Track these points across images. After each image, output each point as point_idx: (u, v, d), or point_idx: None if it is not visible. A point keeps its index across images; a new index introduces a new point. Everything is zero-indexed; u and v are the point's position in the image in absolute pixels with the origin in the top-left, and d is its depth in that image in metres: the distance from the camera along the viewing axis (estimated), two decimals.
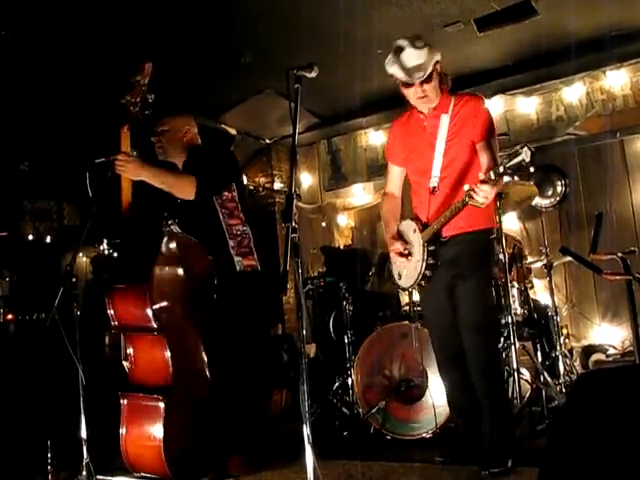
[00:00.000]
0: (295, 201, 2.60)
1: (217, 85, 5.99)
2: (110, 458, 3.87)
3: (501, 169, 2.88)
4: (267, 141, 7.69)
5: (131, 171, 3.51)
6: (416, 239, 3.41)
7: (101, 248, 7.18)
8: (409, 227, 3.51)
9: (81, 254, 7.14)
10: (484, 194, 2.98)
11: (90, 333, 4.87)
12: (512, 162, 2.83)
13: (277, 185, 7.80)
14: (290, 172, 2.69)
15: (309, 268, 7.31)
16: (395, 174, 3.74)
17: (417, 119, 3.52)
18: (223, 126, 6.95)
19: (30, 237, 7.43)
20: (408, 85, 3.33)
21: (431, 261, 3.32)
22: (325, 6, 4.74)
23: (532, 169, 2.93)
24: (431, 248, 3.33)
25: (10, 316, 5.61)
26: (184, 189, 3.59)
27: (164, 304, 3.35)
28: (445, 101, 3.43)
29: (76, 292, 3.61)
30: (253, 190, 7.69)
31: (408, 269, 3.47)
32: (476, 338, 3.36)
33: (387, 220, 3.70)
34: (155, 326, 3.30)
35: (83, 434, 3.49)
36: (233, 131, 7.11)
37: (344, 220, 7.88)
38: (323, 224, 7.83)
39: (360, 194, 7.71)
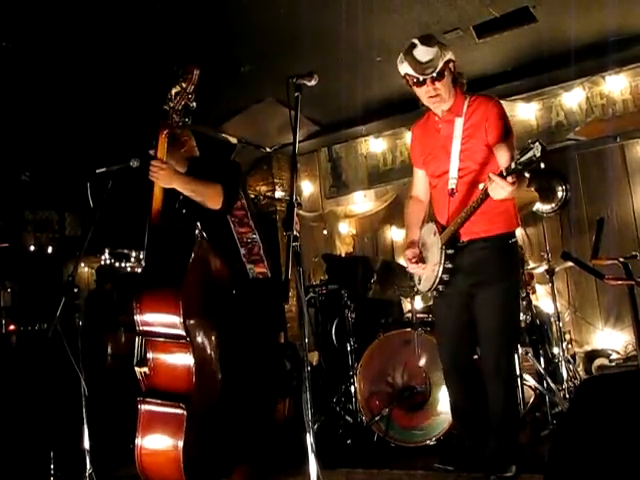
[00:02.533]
0: (296, 209, 2.60)
1: (217, 94, 5.99)
2: (113, 469, 3.87)
3: (513, 165, 2.84)
4: (268, 149, 7.70)
5: (164, 178, 3.43)
6: (435, 242, 3.38)
7: (103, 258, 7.21)
8: (430, 230, 3.48)
9: (83, 264, 7.17)
10: (499, 186, 2.90)
11: (92, 343, 4.87)
12: (524, 158, 2.79)
13: (278, 193, 7.81)
14: (291, 180, 2.69)
15: (311, 276, 7.31)
16: (419, 177, 3.70)
17: (433, 121, 3.48)
18: (224, 135, 6.95)
19: (32, 248, 7.44)
20: (420, 84, 3.28)
21: (449, 265, 3.27)
22: (325, 14, 4.75)
23: (542, 165, 2.90)
24: (449, 251, 3.28)
25: (12, 327, 5.61)
26: (213, 198, 3.55)
27: (193, 310, 3.30)
28: (459, 103, 3.38)
29: (78, 302, 3.61)
30: (254, 198, 7.70)
31: (427, 272, 3.45)
32: (498, 346, 3.32)
33: (408, 224, 3.68)
34: (184, 333, 3.24)
35: (86, 445, 3.48)
36: (234, 140, 7.12)
37: (345, 228, 7.88)
38: (324, 232, 7.83)
39: (361, 201, 7.71)
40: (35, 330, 5.52)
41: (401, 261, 6.37)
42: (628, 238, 6.00)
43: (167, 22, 4.63)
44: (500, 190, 2.91)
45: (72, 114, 5.82)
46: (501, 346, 3.32)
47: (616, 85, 6.08)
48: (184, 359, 3.29)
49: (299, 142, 2.74)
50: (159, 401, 3.33)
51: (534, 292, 5.79)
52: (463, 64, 5.87)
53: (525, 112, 6.53)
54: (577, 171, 6.40)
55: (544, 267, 5.06)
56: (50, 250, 7.54)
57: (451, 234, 3.27)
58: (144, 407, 3.34)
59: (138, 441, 3.30)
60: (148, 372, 3.42)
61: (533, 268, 5.32)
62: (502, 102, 6.58)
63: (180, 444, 3.21)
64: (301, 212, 7.75)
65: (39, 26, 4.47)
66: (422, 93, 3.33)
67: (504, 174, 2.86)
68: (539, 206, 6.29)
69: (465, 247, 3.32)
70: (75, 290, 3.55)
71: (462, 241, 3.32)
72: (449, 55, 3.27)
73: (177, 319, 3.23)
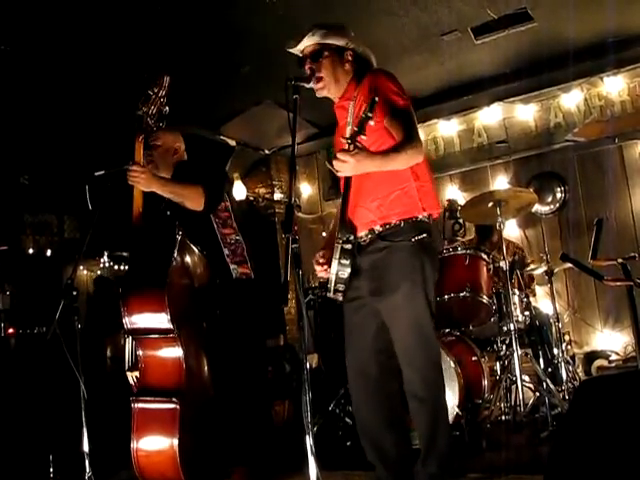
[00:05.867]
0: (295, 211, 2.59)
1: (216, 96, 6.00)
2: (112, 472, 3.86)
3: (355, 129, 2.71)
4: (266, 152, 7.69)
5: (144, 182, 3.47)
6: (335, 239, 2.99)
7: (102, 261, 7.20)
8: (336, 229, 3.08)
9: (82, 267, 7.17)
10: (339, 162, 2.68)
11: (91, 346, 4.87)
12: (359, 121, 2.68)
13: (277, 196, 7.81)
14: (290, 182, 2.69)
15: (310, 278, 7.30)
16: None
17: (336, 116, 3.25)
18: (222, 137, 6.96)
19: (31, 250, 7.44)
20: (300, 62, 3.12)
21: (345, 261, 2.87)
22: (323, 16, 4.73)
23: (372, 122, 2.69)
24: (346, 247, 2.89)
25: (11, 330, 5.61)
26: (193, 199, 3.59)
27: (178, 307, 3.35)
28: (352, 86, 3.09)
29: (77, 305, 3.61)
30: (253, 201, 7.70)
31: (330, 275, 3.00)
32: (407, 363, 2.94)
33: (331, 227, 3.34)
34: (171, 327, 3.30)
35: (85, 448, 3.47)
36: (233, 142, 7.12)
37: None
38: (323, 234, 7.79)
39: None
40: (34, 333, 5.52)
41: None
42: (627, 239, 6.01)
43: (167, 25, 4.64)
44: (344, 165, 2.68)
45: (71, 117, 5.82)
46: (411, 362, 2.93)
47: (614, 86, 6.09)
48: (173, 353, 3.34)
49: (298, 144, 2.74)
50: (152, 398, 3.36)
51: (534, 294, 5.79)
52: (461, 66, 5.94)
53: (523, 113, 6.54)
54: (576, 172, 6.40)
55: (543, 268, 5.07)
56: (49, 253, 7.54)
57: (340, 224, 2.94)
58: (137, 405, 3.37)
59: (134, 443, 3.32)
60: (139, 375, 3.45)
61: (532, 269, 5.32)
62: (500, 104, 6.69)
63: (175, 441, 3.22)
64: (300, 214, 7.76)
65: (37, 29, 4.48)
66: None
67: (347, 144, 2.66)
68: (538, 207, 6.29)
69: (367, 247, 2.99)
70: (74, 293, 3.55)
71: (361, 236, 3.00)
72: (338, 41, 3.10)
73: (164, 314, 3.29)
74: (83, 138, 6.14)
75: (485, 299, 4.64)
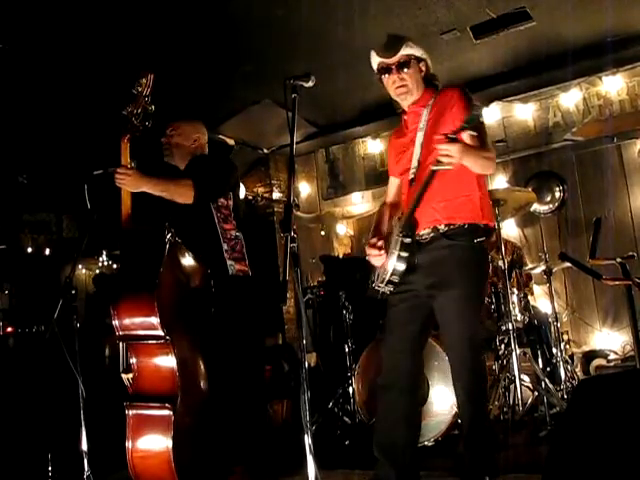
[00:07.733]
0: (294, 211, 2.60)
1: (215, 95, 6.00)
2: (111, 471, 3.86)
3: (464, 125, 2.81)
4: (265, 151, 7.69)
5: (131, 184, 3.47)
6: (395, 232, 3.12)
7: (100, 260, 7.20)
8: (394, 224, 3.22)
9: (80, 266, 7.17)
10: (444, 151, 2.81)
11: (90, 345, 4.87)
12: (467, 117, 2.80)
13: (276, 195, 7.81)
14: (288, 182, 2.69)
15: (309, 277, 7.31)
16: (392, 185, 3.52)
17: (404, 120, 3.39)
18: (221, 136, 6.95)
19: (29, 250, 7.44)
20: (386, 71, 3.23)
21: (404, 254, 2.98)
22: (322, 15, 4.76)
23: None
24: (407, 240, 3.01)
25: (10, 329, 5.61)
26: (183, 194, 3.58)
27: (169, 312, 3.31)
28: (427, 95, 3.26)
29: (75, 304, 3.60)
30: (252, 200, 7.70)
31: (384, 266, 3.12)
32: (458, 354, 3.07)
33: (375, 220, 3.44)
34: (162, 334, 3.26)
35: (84, 447, 3.47)
36: (231, 141, 7.12)
37: (343, 229, 7.88)
38: (322, 233, 7.83)
39: (359, 202, 7.71)
40: (33, 332, 5.52)
41: None
42: (625, 238, 6.01)
43: (166, 23, 4.64)
44: (452, 154, 2.82)
45: (69, 116, 5.81)
46: (462, 355, 3.06)
47: (613, 86, 6.09)
48: (166, 360, 3.30)
49: (296, 143, 2.75)
50: (145, 404, 3.33)
51: (532, 294, 5.80)
52: (460, 65, 5.94)
53: (522, 113, 6.54)
54: (574, 171, 6.41)
55: (542, 267, 5.07)
56: (47, 252, 7.54)
57: (406, 219, 3.06)
58: (131, 412, 3.34)
59: (129, 446, 3.30)
60: (133, 380, 3.43)
61: (531, 268, 5.33)
62: (499, 103, 6.68)
63: (170, 445, 3.20)
64: (299, 213, 7.76)
65: (35, 28, 4.47)
66: (390, 83, 3.26)
67: (449, 137, 2.82)
68: (536, 206, 6.30)
69: (428, 244, 3.09)
70: (73, 292, 3.55)
71: (422, 234, 3.09)
72: (418, 52, 3.27)
73: (154, 320, 3.25)
74: (81, 137, 6.13)
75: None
